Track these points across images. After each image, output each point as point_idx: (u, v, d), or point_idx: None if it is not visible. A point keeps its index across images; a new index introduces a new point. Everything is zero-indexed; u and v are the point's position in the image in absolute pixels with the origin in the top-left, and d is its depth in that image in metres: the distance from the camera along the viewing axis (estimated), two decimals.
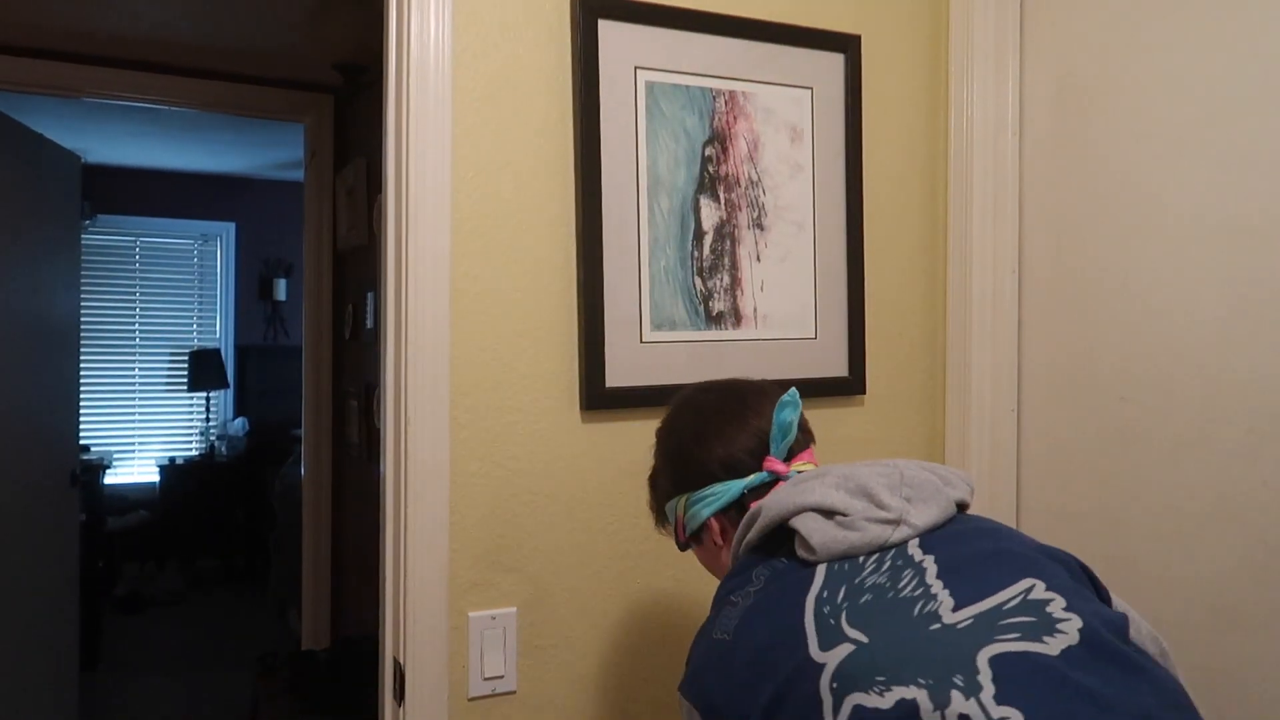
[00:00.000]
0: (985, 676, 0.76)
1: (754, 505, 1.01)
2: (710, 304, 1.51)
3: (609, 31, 1.44)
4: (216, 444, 6.00)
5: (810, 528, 0.93)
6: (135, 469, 5.99)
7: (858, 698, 0.78)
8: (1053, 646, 0.78)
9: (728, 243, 1.53)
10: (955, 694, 0.75)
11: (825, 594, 0.88)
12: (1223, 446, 1.32)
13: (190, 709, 4.02)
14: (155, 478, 5.83)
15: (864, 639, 0.82)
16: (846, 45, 1.62)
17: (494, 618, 1.38)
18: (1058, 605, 0.82)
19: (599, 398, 1.43)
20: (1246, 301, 1.29)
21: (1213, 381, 1.34)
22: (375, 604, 1.44)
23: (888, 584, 0.87)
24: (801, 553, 0.94)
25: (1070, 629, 0.80)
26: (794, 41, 1.57)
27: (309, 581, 3.53)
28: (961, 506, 1.00)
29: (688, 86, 1.50)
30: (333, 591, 3.52)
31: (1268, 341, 1.27)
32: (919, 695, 0.76)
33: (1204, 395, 1.35)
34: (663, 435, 1.17)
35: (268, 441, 5.75)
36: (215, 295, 6.22)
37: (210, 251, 6.22)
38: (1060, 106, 1.57)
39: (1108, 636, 0.80)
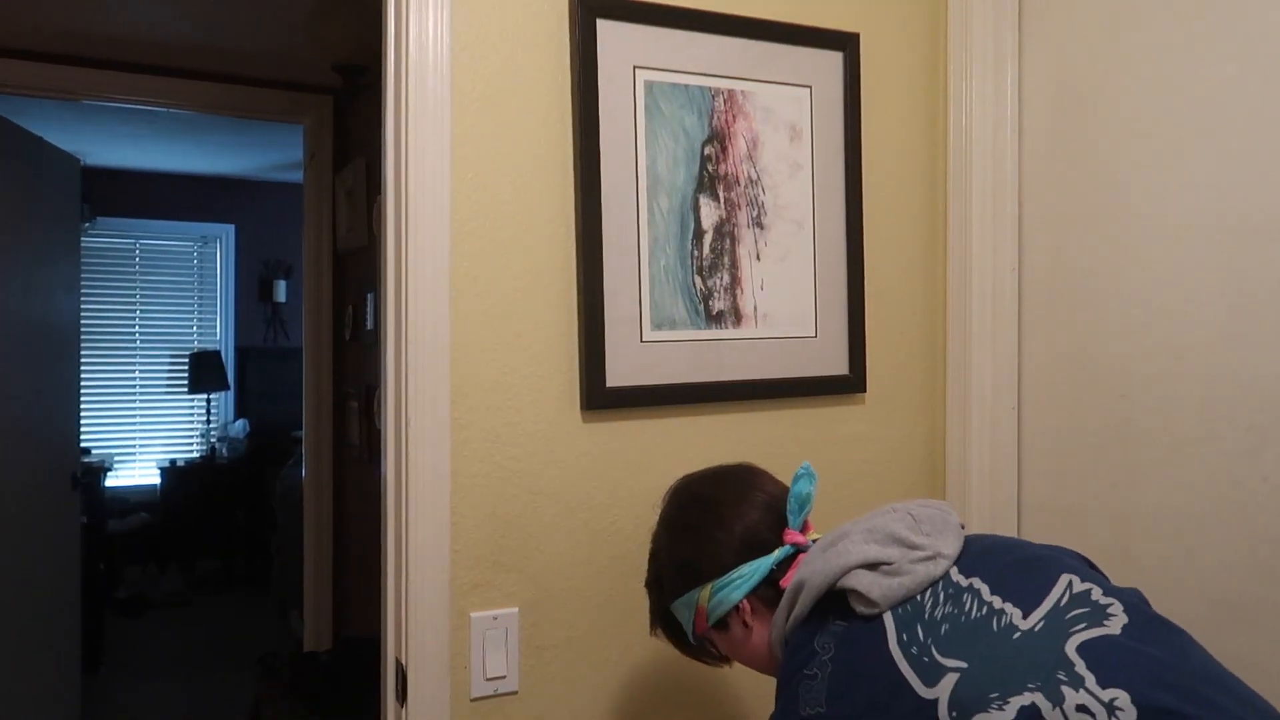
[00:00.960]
0: (1081, 666, 0.83)
1: (789, 581, 1.05)
2: (710, 303, 1.51)
3: (608, 31, 1.44)
4: (217, 446, 6.00)
5: (866, 583, 0.97)
6: (136, 471, 5.99)
7: (980, 718, 0.83)
8: (1113, 627, 0.87)
9: (727, 242, 1.53)
10: (1065, 689, 0.82)
11: (905, 638, 0.93)
12: (1223, 443, 1.32)
13: (192, 711, 4.02)
14: (156, 480, 5.83)
15: (964, 664, 0.87)
16: (845, 44, 1.62)
17: (496, 618, 1.38)
18: (1097, 593, 0.92)
19: (599, 397, 1.43)
20: (1246, 299, 1.29)
21: (1213, 378, 1.34)
22: (377, 605, 1.44)
23: (956, 611, 0.93)
24: (861, 608, 0.97)
25: (1117, 610, 0.89)
26: (793, 40, 1.57)
27: (310, 583, 3.53)
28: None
29: (687, 86, 1.50)
30: (334, 593, 3.53)
31: (1267, 339, 1.27)
32: (1036, 699, 0.82)
33: (1204, 392, 1.35)
34: (670, 530, 1.18)
35: (268, 443, 5.75)
36: (215, 297, 6.22)
37: (210, 253, 6.22)
38: (1059, 104, 1.57)
39: (1145, 609, 0.91)
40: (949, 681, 0.87)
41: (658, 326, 1.47)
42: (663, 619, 1.20)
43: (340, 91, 3.31)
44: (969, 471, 1.65)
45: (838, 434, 1.63)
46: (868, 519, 1.05)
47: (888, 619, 0.95)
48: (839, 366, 1.62)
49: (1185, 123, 1.37)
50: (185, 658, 4.62)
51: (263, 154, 5.41)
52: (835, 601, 1.00)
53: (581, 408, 1.43)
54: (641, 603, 1.48)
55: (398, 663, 1.35)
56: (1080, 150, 1.53)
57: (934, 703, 0.86)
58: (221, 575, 5.85)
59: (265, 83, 3.31)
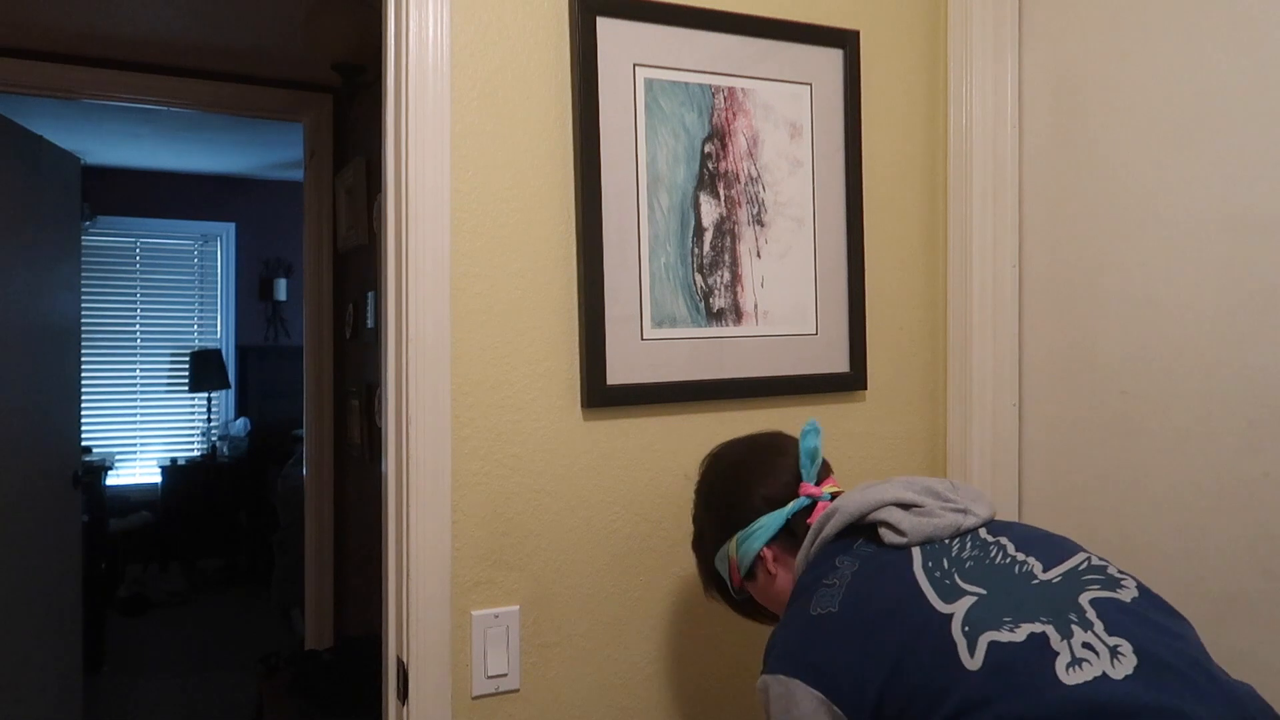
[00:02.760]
0: (1091, 615, 0.90)
1: (825, 507, 1.12)
2: (711, 301, 1.51)
3: (608, 29, 1.44)
4: (218, 445, 6.00)
5: (897, 517, 1.05)
6: (137, 470, 5.99)
7: (991, 635, 0.88)
8: (1125, 595, 0.93)
9: (728, 239, 1.53)
10: (1075, 628, 0.88)
11: (930, 564, 0.99)
12: (1223, 439, 1.32)
13: (194, 710, 4.03)
14: (157, 479, 5.83)
15: (983, 591, 0.94)
16: (845, 41, 1.61)
17: (497, 616, 1.38)
18: (1113, 569, 0.98)
19: (600, 395, 1.43)
20: (1246, 294, 1.29)
21: (1213, 374, 1.33)
22: (378, 603, 1.44)
23: (980, 555, 1.00)
24: (891, 538, 1.04)
25: (1130, 584, 0.96)
26: (793, 37, 1.57)
27: (312, 581, 3.53)
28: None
29: (687, 83, 1.50)
30: (335, 591, 3.53)
31: (1267, 334, 1.27)
32: (1046, 629, 0.88)
33: (1204, 388, 1.35)
34: (703, 493, 1.27)
35: (269, 442, 5.75)
36: (216, 296, 6.22)
37: (210, 252, 6.22)
38: (1059, 100, 1.57)
39: (1153, 592, 0.97)
40: (966, 602, 0.92)
41: (658, 324, 1.47)
42: (712, 579, 1.28)
43: (340, 90, 3.31)
44: (970, 467, 1.65)
45: (839, 431, 1.63)
46: (908, 476, 1.13)
47: (915, 550, 1.02)
48: (839, 364, 1.62)
49: (1185, 118, 1.37)
50: (187, 656, 4.62)
51: (263, 153, 5.41)
52: (863, 533, 1.07)
53: (582, 406, 1.43)
54: (643, 600, 1.48)
55: (399, 661, 1.35)
56: (1080, 146, 1.53)
57: (948, 617, 0.91)
58: (223, 574, 5.86)
59: (265, 81, 3.31)
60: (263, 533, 5.55)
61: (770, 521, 1.17)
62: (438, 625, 1.33)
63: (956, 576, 0.96)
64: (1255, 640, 1.29)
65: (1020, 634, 0.88)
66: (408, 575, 1.33)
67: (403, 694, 1.34)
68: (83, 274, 3.57)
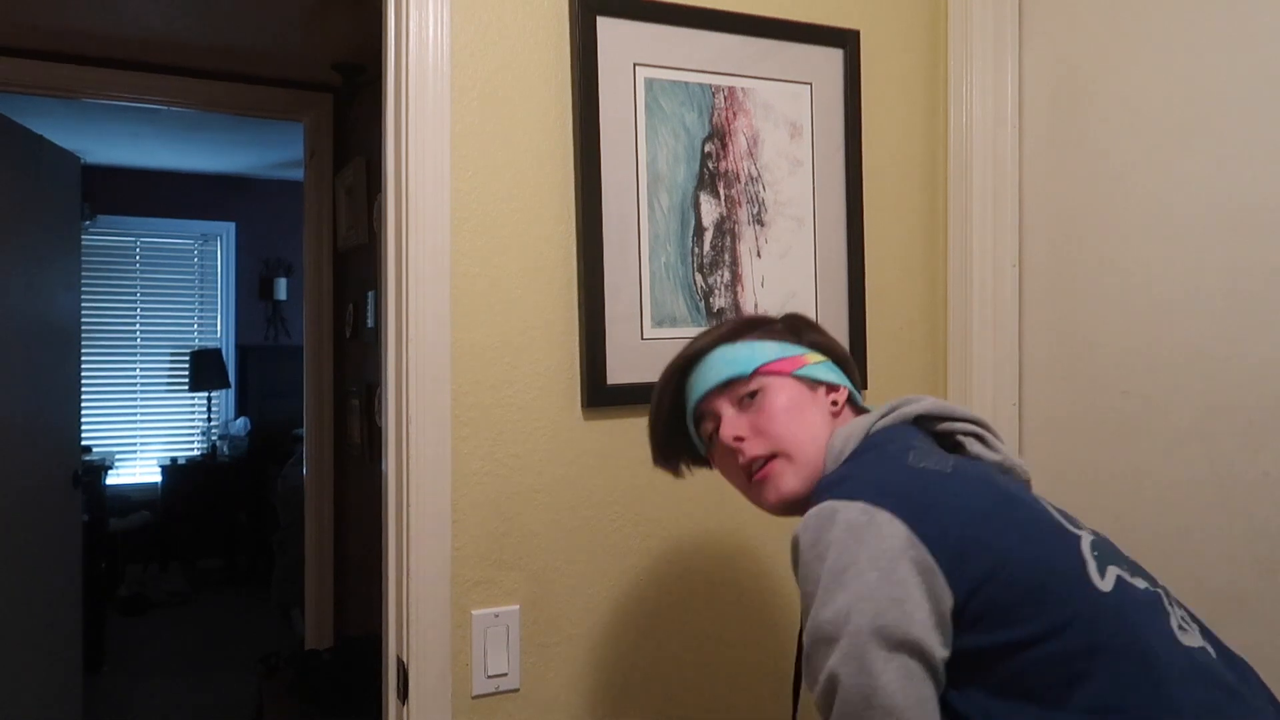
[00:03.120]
0: (1125, 571, 0.88)
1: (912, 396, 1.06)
2: (711, 300, 1.51)
3: (608, 28, 1.43)
4: (218, 444, 6.00)
5: (982, 436, 1.02)
6: (137, 470, 5.99)
7: (1117, 570, 0.85)
8: (1141, 580, 0.91)
9: (728, 239, 1.52)
10: (1169, 600, 0.88)
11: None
12: (1223, 438, 1.32)
13: (194, 709, 4.03)
14: (157, 478, 5.83)
15: (1091, 535, 0.90)
16: (845, 40, 1.61)
17: (497, 615, 1.38)
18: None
19: (600, 395, 1.43)
20: (1246, 294, 1.29)
21: (1213, 373, 1.33)
22: (378, 603, 1.44)
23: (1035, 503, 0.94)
24: (978, 449, 1.01)
25: (1142, 571, 0.93)
26: (793, 37, 1.57)
27: (312, 581, 3.53)
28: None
29: (687, 83, 1.50)
30: (335, 591, 3.53)
31: (1268, 333, 1.27)
32: (1158, 591, 0.87)
33: (1204, 387, 1.35)
34: (824, 338, 1.15)
35: (269, 441, 5.75)
36: (216, 295, 6.22)
37: (210, 251, 6.21)
38: (1059, 99, 1.57)
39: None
40: (1085, 532, 0.89)
41: (658, 324, 1.47)
42: (752, 359, 1.08)
43: (340, 89, 3.31)
44: None
45: None
46: None
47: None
48: None
49: (1185, 116, 1.37)
50: (187, 656, 4.62)
51: (263, 152, 5.41)
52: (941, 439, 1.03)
53: (582, 405, 1.43)
54: (643, 599, 1.48)
55: (399, 660, 1.35)
56: (1080, 144, 1.53)
57: (1077, 536, 0.88)
58: (223, 574, 5.86)
59: (265, 81, 3.31)
60: (263, 533, 5.55)
61: (848, 384, 1.10)
62: (438, 625, 1.33)
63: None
64: (1255, 639, 1.29)
65: (1140, 584, 0.85)
66: (408, 575, 1.32)
67: (403, 693, 1.34)
68: (83, 273, 3.56)
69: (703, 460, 1.16)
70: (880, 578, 0.80)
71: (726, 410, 1.06)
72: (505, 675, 1.38)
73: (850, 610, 0.80)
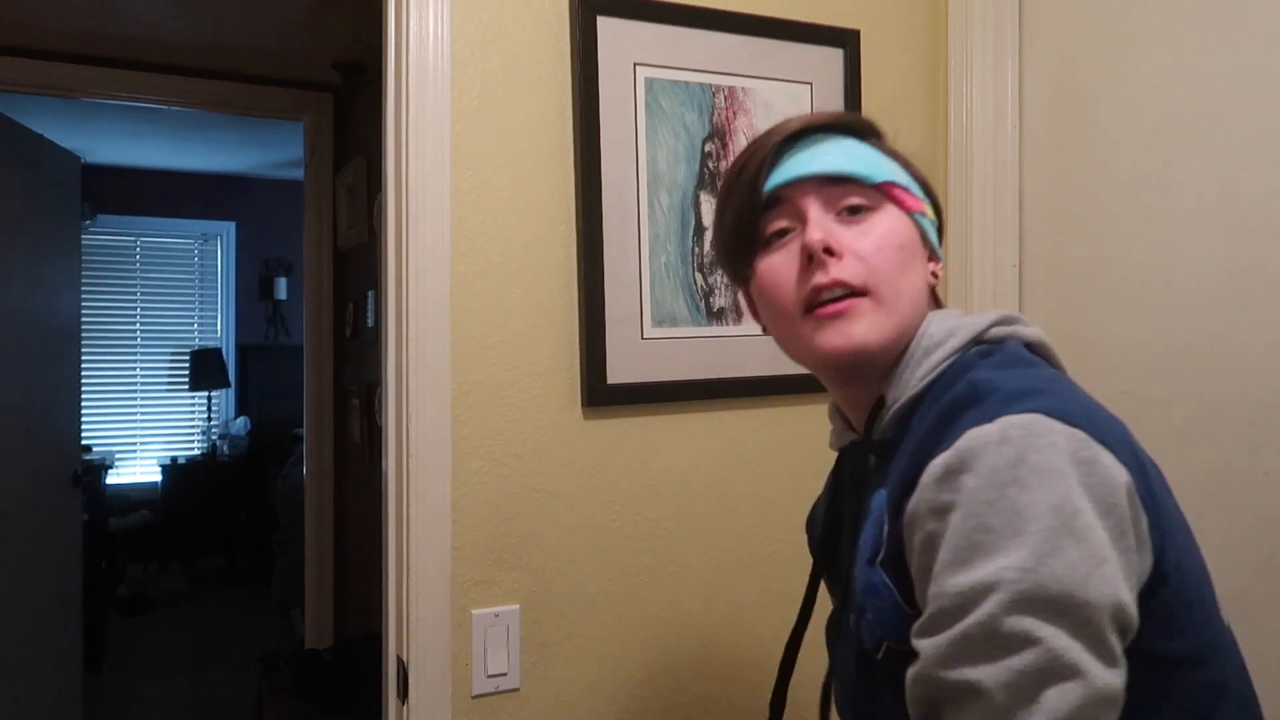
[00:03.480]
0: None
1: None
2: (711, 300, 1.51)
3: (608, 28, 1.43)
4: (218, 444, 6.00)
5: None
6: (137, 469, 5.99)
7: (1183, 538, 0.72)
8: None
9: None
10: None
11: None
12: (1224, 438, 1.32)
13: (194, 709, 4.03)
14: (157, 478, 5.83)
15: None
16: (845, 40, 1.61)
17: (497, 615, 1.38)
18: None
19: (600, 394, 1.43)
20: (1247, 293, 1.29)
21: (1213, 373, 1.33)
22: (378, 603, 1.44)
23: None
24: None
25: None
26: (793, 37, 1.57)
27: (312, 581, 3.53)
28: None
29: (687, 83, 1.50)
30: (335, 591, 3.53)
31: (1268, 333, 1.27)
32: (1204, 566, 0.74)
33: (1205, 387, 1.35)
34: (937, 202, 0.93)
35: (270, 441, 5.75)
36: (216, 294, 6.23)
37: (210, 251, 6.22)
38: (1060, 99, 1.57)
39: None
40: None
41: (659, 323, 1.47)
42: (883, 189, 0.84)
43: (340, 89, 3.31)
44: None
45: None
46: None
47: None
48: None
49: (1186, 117, 1.37)
50: (187, 656, 4.63)
51: (263, 151, 5.41)
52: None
53: (582, 405, 1.43)
54: (643, 598, 1.48)
55: (399, 660, 1.35)
56: (1081, 145, 1.53)
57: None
58: (223, 574, 5.86)
59: (266, 80, 3.31)
60: (263, 532, 5.55)
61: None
62: (438, 624, 1.33)
63: None
64: (1254, 639, 1.29)
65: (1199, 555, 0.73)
66: (408, 574, 1.33)
67: (403, 693, 1.34)
68: (83, 273, 3.57)
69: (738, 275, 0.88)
70: (1112, 541, 0.61)
71: (815, 210, 0.81)
72: (505, 675, 1.38)
73: (1089, 575, 0.59)
